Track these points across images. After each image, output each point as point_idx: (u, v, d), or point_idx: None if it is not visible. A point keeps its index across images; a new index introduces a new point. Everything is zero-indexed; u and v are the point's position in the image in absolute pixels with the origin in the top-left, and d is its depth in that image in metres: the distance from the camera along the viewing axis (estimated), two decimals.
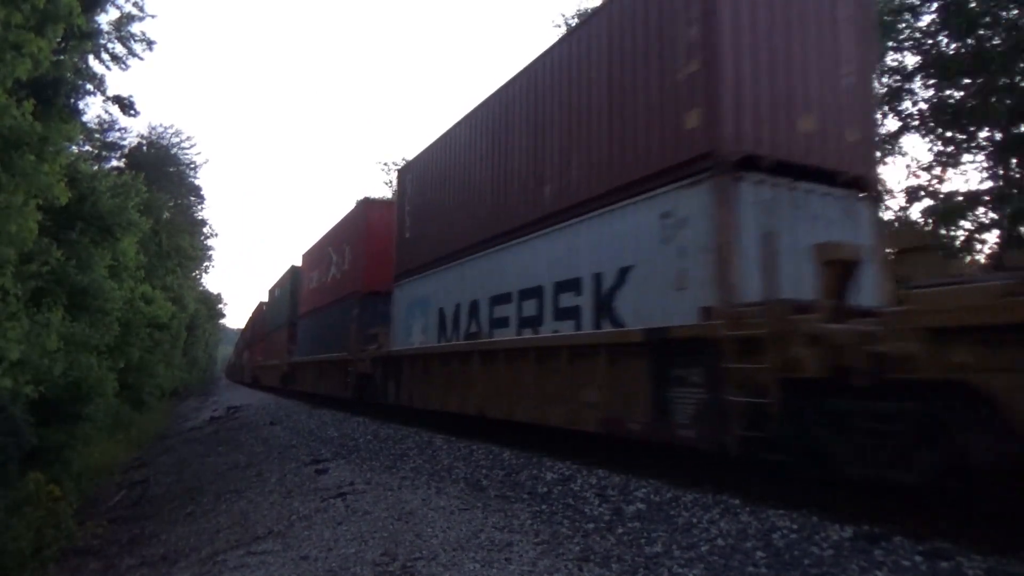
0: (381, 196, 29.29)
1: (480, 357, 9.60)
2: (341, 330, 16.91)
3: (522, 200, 9.14)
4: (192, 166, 36.23)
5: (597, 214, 7.53)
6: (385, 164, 41.61)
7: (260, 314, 37.99)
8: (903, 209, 16.37)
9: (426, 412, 12.03)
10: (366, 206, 17.21)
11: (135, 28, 19.32)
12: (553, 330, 8.05)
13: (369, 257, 16.01)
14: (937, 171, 16.00)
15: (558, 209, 8.25)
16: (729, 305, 5.62)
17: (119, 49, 19.06)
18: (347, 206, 39.94)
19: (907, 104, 16.17)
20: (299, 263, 26.09)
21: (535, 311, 8.51)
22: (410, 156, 17.90)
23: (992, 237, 15.00)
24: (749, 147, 6.13)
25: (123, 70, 21.98)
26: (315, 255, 22.78)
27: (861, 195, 6.89)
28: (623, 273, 6.99)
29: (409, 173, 14.12)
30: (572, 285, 7.83)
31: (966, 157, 15.62)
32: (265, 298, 36.48)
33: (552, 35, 29.27)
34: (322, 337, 19.39)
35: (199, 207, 40.43)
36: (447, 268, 11.34)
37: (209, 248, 44.49)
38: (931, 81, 15.55)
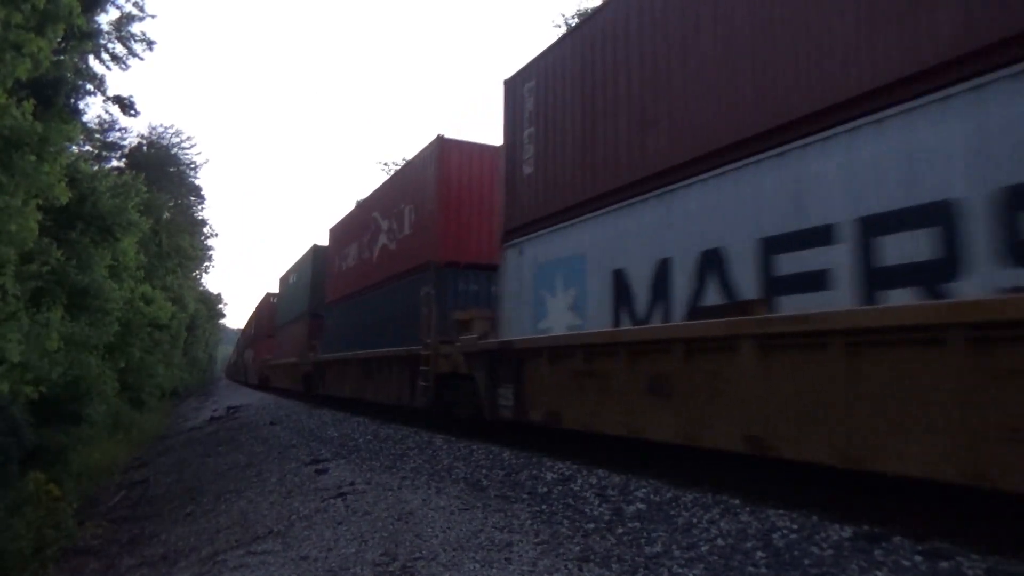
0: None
1: (757, 346, 5.12)
2: (401, 317, 13.19)
3: (864, 50, 4.72)
4: (192, 166, 36.38)
5: None
6: (385, 164, 41.57)
7: (269, 306, 33.16)
8: None
9: (437, 414, 11.88)
10: (443, 146, 12.34)
11: (135, 28, 19.42)
12: (1005, 285, 3.91)
13: (446, 216, 11.95)
14: None
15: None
16: None
17: (119, 49, 19.15)
18: (347, 206, 39.58)
19: None
20: (324, 243, 21.71)
21: (936, 250, 4.26)
22: (410, 155, 16.76)
23: None
24: None
25: (123, 70, 22.07)
26: (351, 226, 18.28)
27: None
28: None
29: (530, 80, 9.34)
30: None
31: None
32: (275, 288, 32.70)
33: (552, 35, 29.28)
34: (367, 327, 15.55)
35: (199, 207, 40.60)
36: (626, 206, 6.96)
37: (209, 248, 44.65)
38: None
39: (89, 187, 12.88)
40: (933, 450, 4.01)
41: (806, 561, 3.77)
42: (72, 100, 12.17)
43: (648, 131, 6.83)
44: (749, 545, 4.11)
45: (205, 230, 43.22)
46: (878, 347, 4.40)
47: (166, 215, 29.96)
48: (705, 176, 6.05)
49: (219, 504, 7.95)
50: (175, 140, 34.77)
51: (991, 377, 3.83)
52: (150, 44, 20.15)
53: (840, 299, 4.80)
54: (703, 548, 4.17)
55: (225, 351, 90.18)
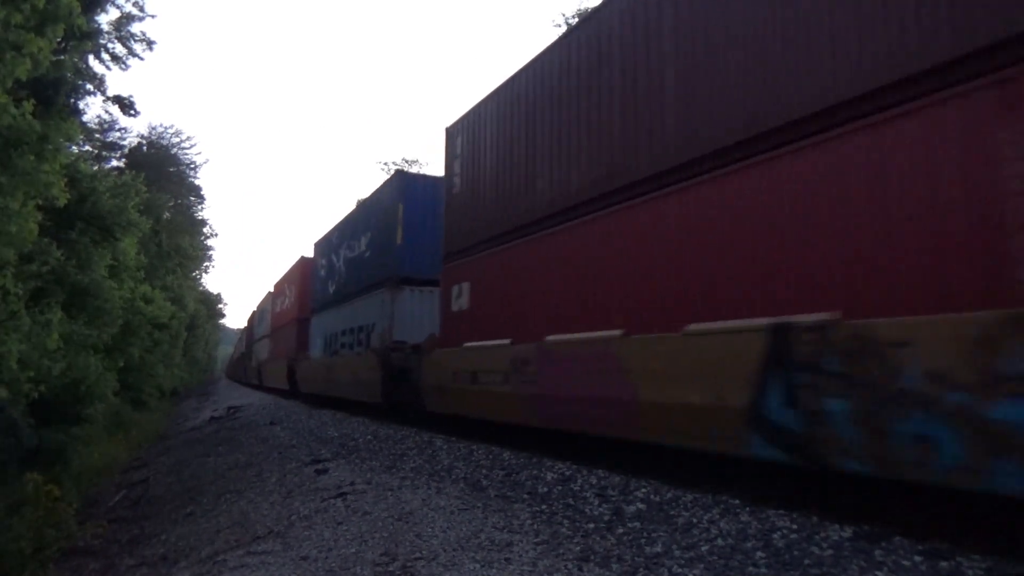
0: None
1: None
2: None
3: None
4: (192, 166, 36.43)
5: None
6: (385, 164, 41.52)
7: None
8: None
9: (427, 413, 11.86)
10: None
11: (135, 28, 19.44)
12: None
13: None
14: None
15: None
16: None
17: (119, 49, 19.19)
18: (348, 206, 39.39)
19: None
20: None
21: None
22: (411, 156, 16.22)
23: None
24: None
25: (123, 70, 22.13)
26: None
27: None
28: None
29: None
30: None
31: None
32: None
33: (552, 34, 29.31)
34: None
35: (199, 207, 40.66)
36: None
37: (209, 248, 44.71)
38: None
39: (89, 187, 12.88)
40: None
41: (806, 561, 3.76)
42: (72, 100, 12.17)
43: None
44: (749, 545, 4.11)
45: (205, 230, 43.31)
46: None
47: (166, 215, 29.98)
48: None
49: (219, 504, 7.95)
50: (175, 140, 34.83)
51: None
52: (150, 44, 20.19)
53: None
54: (703, 548, 4.17)
55: (225, 351, 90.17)
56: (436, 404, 10.50)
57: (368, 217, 14.73)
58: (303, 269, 21.16)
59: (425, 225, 12.59)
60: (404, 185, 13.05)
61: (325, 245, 18.97)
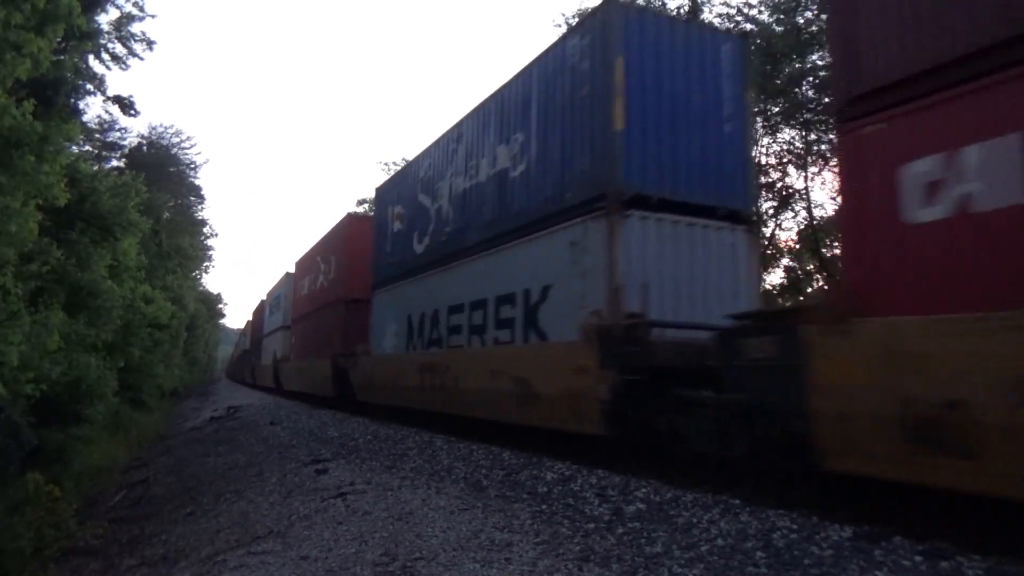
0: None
1: None
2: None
3: None
4: (192, 166, 36.42)
5: None
6: (385, 164, 41.45)
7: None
8: None
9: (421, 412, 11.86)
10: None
11: (135, 28, 19.43)
12: None
13: None
14: None
15: None
16: None
17: (119, 49, 19.18)
18: (348, 206, 39.13)
19: None
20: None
21: None
22: (410, 155, 13.36)
23: None
24: None
25: (123, 70, 22.11)
26: None
27: None
28: None
29: None
30: None
31: None
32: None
33: (552, 35, 29.27)
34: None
35: (199, 207, 40.67)
36: None
37: (209, 248, 44.72)
38: None
39: (89, 187, 12.88)
40: None
41: (806, 561, 3.77)
42: (72, 100, 12.19)
43: None
44: (749, 545, 4.11)
45: (205, 230, 43.32)
46: None
47: (166, 215, 29.97)
48: None
49: (219, 504, 7.95)
50: (175, 140, 34.81)
51: None
52: (150, 44, 20.16)
53: None
54: (703, 548, 4.17)
55: (225, 351, 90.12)
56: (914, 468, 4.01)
57: (518, 103, 8.69)
58: (353, 231, 15.20)
59: (663, 104, 7.17)
60: (624, 24, 7.11)
61: (405, 183, 13.24)
